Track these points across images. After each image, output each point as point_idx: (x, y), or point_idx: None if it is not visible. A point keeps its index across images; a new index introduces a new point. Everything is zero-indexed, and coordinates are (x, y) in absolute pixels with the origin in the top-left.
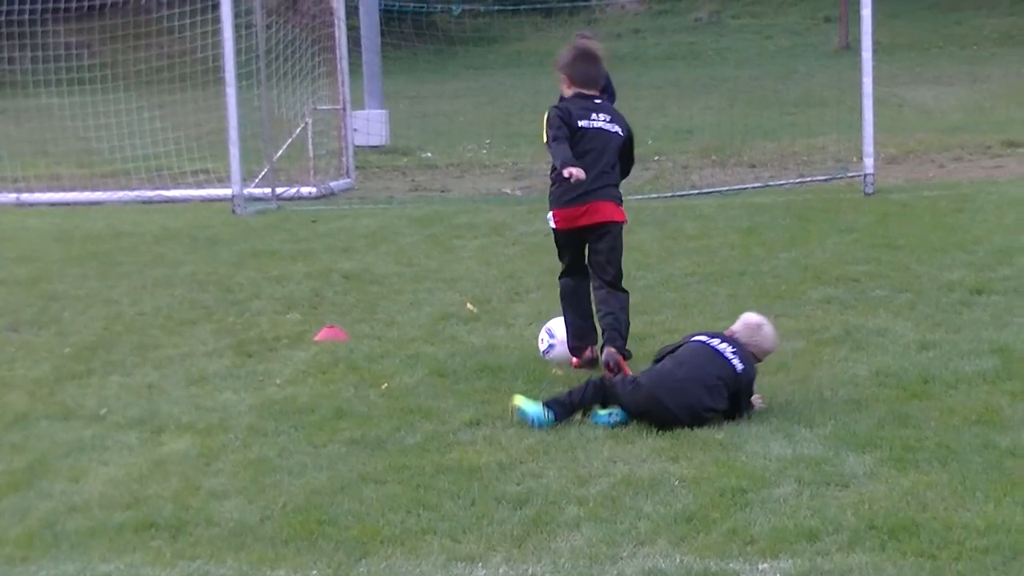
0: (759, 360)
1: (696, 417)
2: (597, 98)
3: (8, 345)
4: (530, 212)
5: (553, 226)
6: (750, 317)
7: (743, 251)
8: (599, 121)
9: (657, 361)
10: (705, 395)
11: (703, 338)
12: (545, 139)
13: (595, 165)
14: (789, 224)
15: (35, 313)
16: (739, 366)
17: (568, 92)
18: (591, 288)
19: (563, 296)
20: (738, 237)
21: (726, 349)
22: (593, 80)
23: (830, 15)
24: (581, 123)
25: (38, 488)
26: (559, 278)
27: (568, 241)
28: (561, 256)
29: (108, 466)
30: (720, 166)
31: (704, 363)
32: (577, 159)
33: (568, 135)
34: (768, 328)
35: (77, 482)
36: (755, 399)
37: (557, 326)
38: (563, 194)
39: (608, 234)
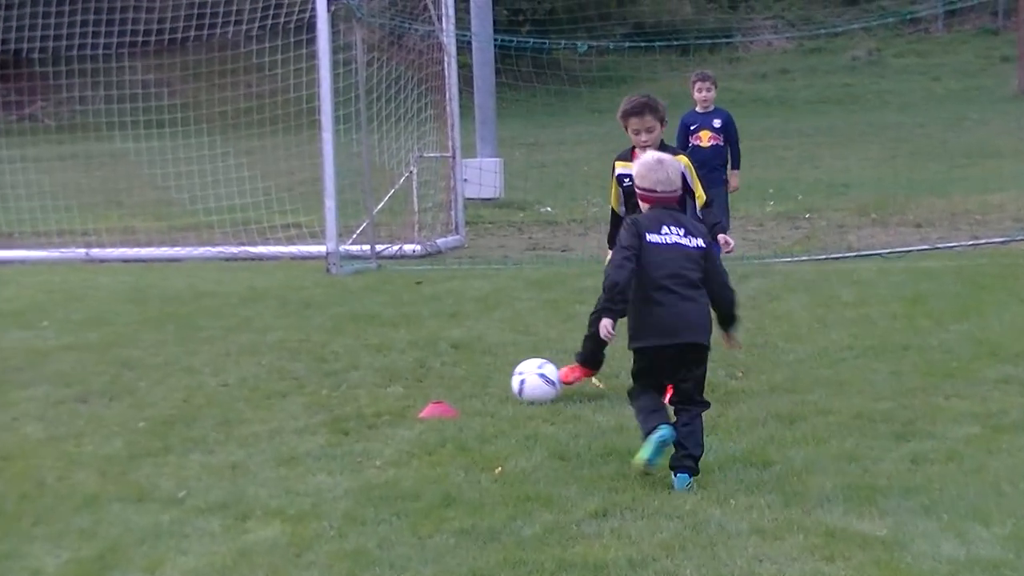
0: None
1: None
2: None
3: (77, 418)
4: None
5: None
6: (647, 157)
7: (907, 322)
8: None
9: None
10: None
11: (664, 238)
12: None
13: None
14: (960, 292)
15: (107, 382)
16: (701, 243)
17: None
18: None
19: None
20: (901, 306)
21: (683, 236)
22: None
23: (1008, 54)
24: None
25: None
26: None
27: None
28: None
29: (187, 555)
30: (881, 225)
31: (684, 266)
32: None
33: None
34: (667, 160)
35: (153, 573)
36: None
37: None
38: None
39: None
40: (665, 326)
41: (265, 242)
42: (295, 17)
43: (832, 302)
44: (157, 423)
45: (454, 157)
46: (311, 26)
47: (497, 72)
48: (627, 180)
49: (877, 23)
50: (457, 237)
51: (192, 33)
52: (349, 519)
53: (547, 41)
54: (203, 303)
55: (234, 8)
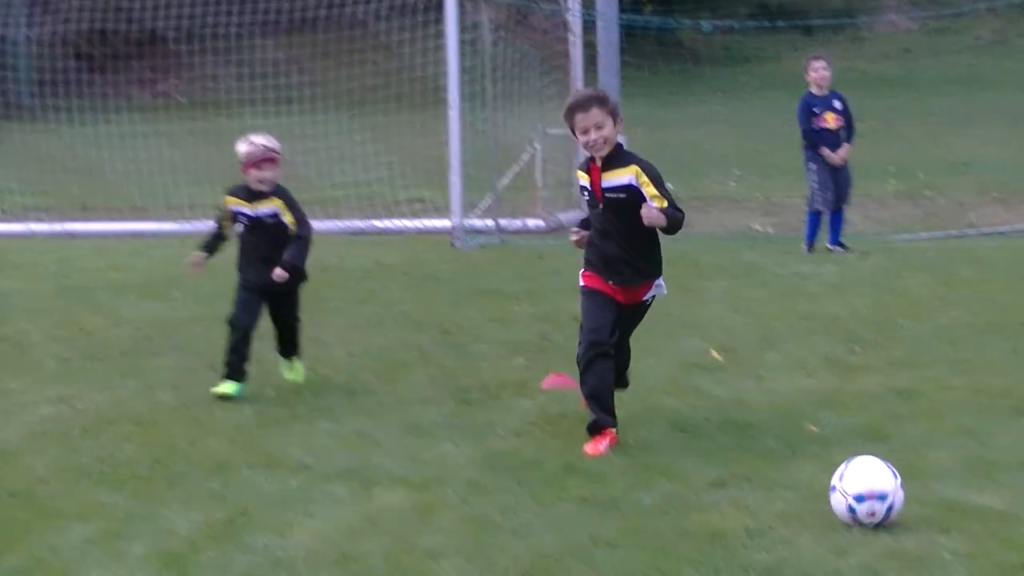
0: None
1: None
2: None
3: (208, 386)
4: (784, 252)
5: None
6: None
7: None
8: None
9: None
10: None
11: None
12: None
13: None
14: None
15: None
16: None
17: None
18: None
19: None
20: (1022, 284)
21: None
22: None
23: None
24: None
25: (239, 541)
26: None
27: None
28: None
29: (315, 519)
30: (1002, 204)
31: None
32: None
33: None
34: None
35: (282, 536)
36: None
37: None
38: None
39: None
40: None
41: (390, 217)
42: None
43: (952, 279)
44: (285, 392)
45: None
46: (438, 6)
47: (621, 51)
48: (585, 194)
49: (1002, 3)
50: (579, 212)
51: (322, 12)
52: (472, 487)
53: (672, 20)
54: (330, 276)
55: None
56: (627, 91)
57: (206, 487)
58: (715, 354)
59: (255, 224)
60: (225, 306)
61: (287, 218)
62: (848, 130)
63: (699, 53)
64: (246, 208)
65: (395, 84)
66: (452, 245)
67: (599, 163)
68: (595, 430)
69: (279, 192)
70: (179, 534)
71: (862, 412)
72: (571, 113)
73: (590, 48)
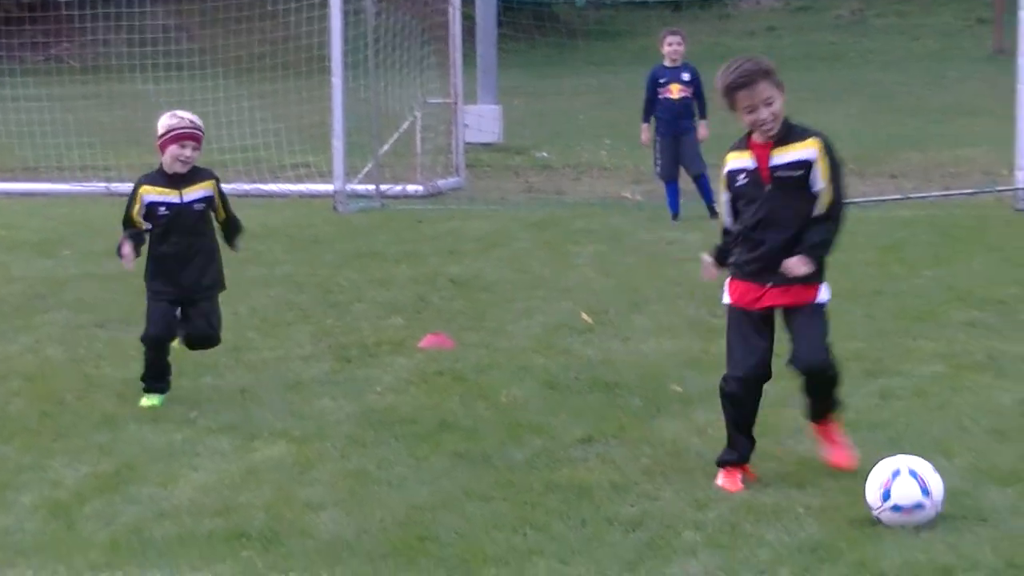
0: None
1: None
2: None
3: (96, 342)
4: (651, 219)
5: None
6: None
7: (881, 268)
8: None
9: None
10: None
11: None
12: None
13: None
14: (932, 240)
15: (124, 310)
16: None
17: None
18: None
19: None
20: (876, 253)
21: None
22: None
23: (984, 16)
24: None
25: (125, 492)
26: None
27: None
28: None
29: (198, 472)
30: (859, 176)
31: None
32: None
33: None
34: None
35: (166, 487)
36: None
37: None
38: None
39: None
40: None
41: (275, 180)
42: None
43: None
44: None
45: (456, 103)
46: None
47: (499, 23)
48: (742, 176)
49: None
50: (457, 179)
51: None
52: (351, 441)
53: None
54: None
55: None
56: (505, 62)
57: (93, 440)
58: (585, 316)
59: (178, 214)
60: (114, 263)
61: (218, 202)
62: (700, 103)
63: (574, 27)
64: (170, 196)
65: (281, 52)
66: (335, 209)
67: (765, 138)
68: (723, 464)
69: (213, 175)
70: (67, 485)
71: (721, 372)
72: (732, 92)
73: (469, 20)
